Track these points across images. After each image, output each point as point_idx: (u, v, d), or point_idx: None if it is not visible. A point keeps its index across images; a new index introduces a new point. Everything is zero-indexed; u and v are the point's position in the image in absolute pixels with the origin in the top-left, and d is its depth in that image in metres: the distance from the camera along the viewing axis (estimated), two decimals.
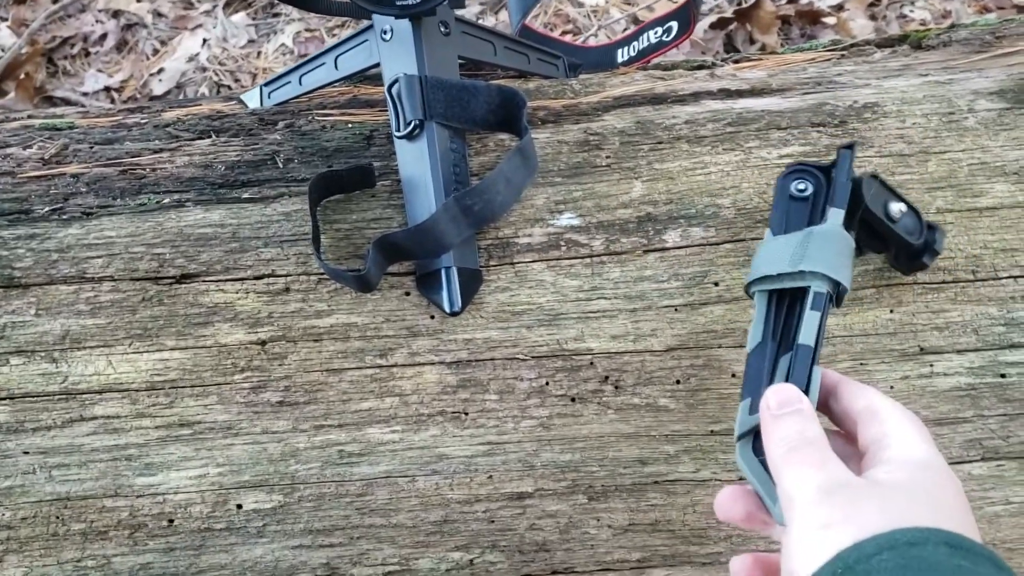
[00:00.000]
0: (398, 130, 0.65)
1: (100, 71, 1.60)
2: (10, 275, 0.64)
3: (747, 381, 0.49)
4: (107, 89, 1.57)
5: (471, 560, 0.63)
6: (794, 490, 0.42)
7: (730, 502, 0.47)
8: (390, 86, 0.65)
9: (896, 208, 0.57)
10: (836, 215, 0.52)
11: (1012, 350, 0.64)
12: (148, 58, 1.63)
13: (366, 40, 0.69)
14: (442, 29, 0.67)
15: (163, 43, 1.65)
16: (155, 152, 0.71)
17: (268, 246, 0.65)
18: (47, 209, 0.67)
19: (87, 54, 1.63)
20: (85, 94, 1.55)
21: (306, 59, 0.74)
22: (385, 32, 0.66)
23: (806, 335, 0.48)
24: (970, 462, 0.64)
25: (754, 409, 0.47)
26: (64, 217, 0.66)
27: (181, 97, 1.52)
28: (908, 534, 0.37)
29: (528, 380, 0.64)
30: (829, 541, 0.38)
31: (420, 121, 0.64)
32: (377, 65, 0.69)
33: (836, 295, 0.51)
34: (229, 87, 1.55)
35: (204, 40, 1.63)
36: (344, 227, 0.66)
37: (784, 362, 0.49)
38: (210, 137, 0.72)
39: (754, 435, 0.47)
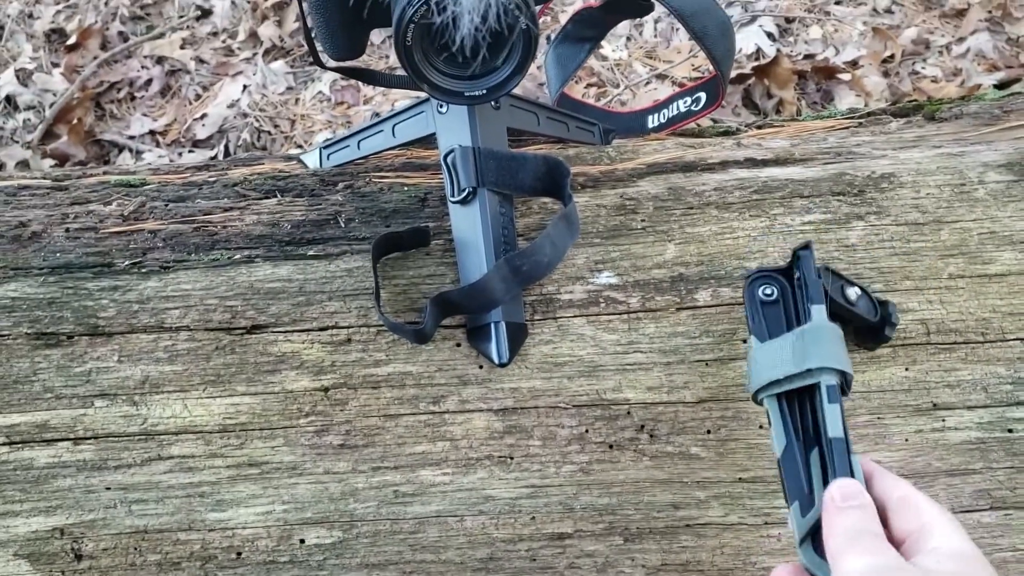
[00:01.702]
0: (453, 195, 0.71)
1: (145, 115, 1.67)
2: (95, 324, 0.70)
3: (788, 485, 0.51)
4: (152, 133, 1.65)
5: None
6: (851, 573, 0.44)
7: None
8: (446, 155, 0.71)
9: (852, 292, 0.61)
10: (819, 311, 0.54)
11: (1019, 407, 0.69)
12: (191, 103, 1.70)
13: (423, 112, 0.75)
14: (493, 104, 0.73)
15: (205, 88, 1.72)
16: (225, 211, 0.77)
17: (332, 300, 0.71)
18: (128, 263, 0.73)
19: (133, 98, 1.71)
20: (131, 137, 1.62)
21: (364, 125, 0.80)
22: (441, 106, 0.72)
23: (833, 428, 0.50)
24: (979, 511, 0.68)
25: (805, 511, 0.49)
26: (143, 270, 0.72)
27: (225, 142, 1.59)
28: None
29: (569, 427, 0.69)
30: None
31: (473, 188, 0.70)
32: (432, 134, 0.75)
33: (844, 384, 0.53)
34: (269, 132, 1.62)
35: (244, 86, 1.70)
36: (401, 282, 0.72)
37: (815, 457, 0.51)
38: (276, 197, 0.78)
39: (812, 535, 0.49)
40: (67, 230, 0.75)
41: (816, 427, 0.52)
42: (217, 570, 0.67)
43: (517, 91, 0.70)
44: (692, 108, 0.87)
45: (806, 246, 0.57)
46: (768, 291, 0.57)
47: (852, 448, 0.50)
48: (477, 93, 0.63)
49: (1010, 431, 0.69)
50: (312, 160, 0.83)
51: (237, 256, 0.73)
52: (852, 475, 0.49)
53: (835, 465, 0.49)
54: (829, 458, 0.50)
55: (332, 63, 0.75)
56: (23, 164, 1.54)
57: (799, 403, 0.53)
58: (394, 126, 0.77)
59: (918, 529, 0.46)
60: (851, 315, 0.62)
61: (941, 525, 0.46)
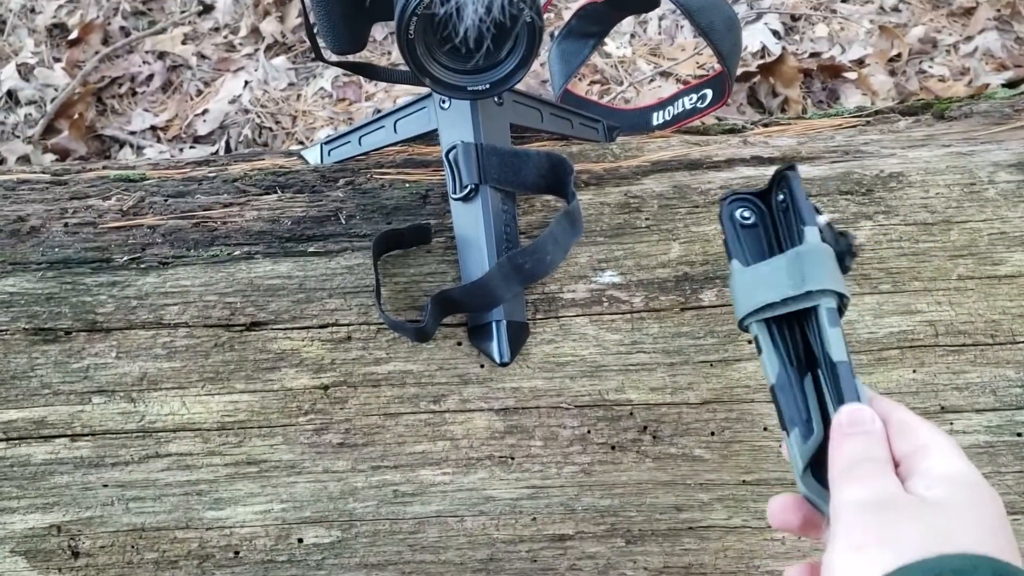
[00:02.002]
0: (455, 192, 0.70)
1: (146, 110, 1.67)
2: (93, 320, 0.69)
3: (786, 413, 0.48)
4: (153, 128, 1.64)
5: None
6: (840, 506, 0.41)
7: (785, 511, 0.47)
8: (448, 152, 0.70)
9: (822, 220, 0.55)
10: (812, 232, 0.50)
11: None
12: (192, 99, 1.69)
13: (424, 107, 0.74)
14: (496, 100, 0.72)
15: (206, 84, 1.72)
16: (225, 206, 0.76)
17: (332, 297, 0.70)
18: (126, 258, 0.72)
19: (134, 94, 1.70)
20: (132, 133, 1.62)
21: (365, 121, 0.79)
22: (444, 102, 0.72)
23: (838, 352, 0.47)
24: None
25: (806, 436, 0.47)
26: (142, 266, 0.72)
27: (226, 138, 1.59)
28: (954, 561, 0.37)
29: (571, 428, 0.68)
30: (863, 564, 0.38)
31: (475, 185, 0.69)
32: (434, 130, 0.74)
33: (841, 307, 0.50)
34: (270, 129, 1.61)
35: (246, 82, 1.69)
36: (402, 280, 0.71)
37: (808, 384, 0.48)
38: (276, 193, 0.77)
39: (813, 463, 0.46)
40: (66, 225, 0.74)
41: (808, 353, 0.49)
42: (215, 569, 0.66)
43: (520, 87, 0.69)
44: (698, 105, 0.86)
45: (791, 167, 0.53)
46: (746, 214, 0.53)
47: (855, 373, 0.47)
48: (480, 87, 0.63)
49: (1019, 435, 0.68)
50: (313, 156, 0.82)
51: (237, 252, 0.72)
52: (860, 400, 0.46)
53: (841, 390, 0.46)
54: (833, 383, 0.47)
55: (334, 57, 0.74)
56: (24, 159, 1.54)
57: (788, 328, 0.50)
58: (395, 122, 0.77)
59: (913, 451, 0.43)
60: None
61: (937, 446, 0.43)
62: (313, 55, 0.72)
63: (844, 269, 0.57)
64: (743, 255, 0.52)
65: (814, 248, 0.50)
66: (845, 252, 0.56)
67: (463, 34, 0.57)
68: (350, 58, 0.73)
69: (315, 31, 0.71)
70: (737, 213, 0.53)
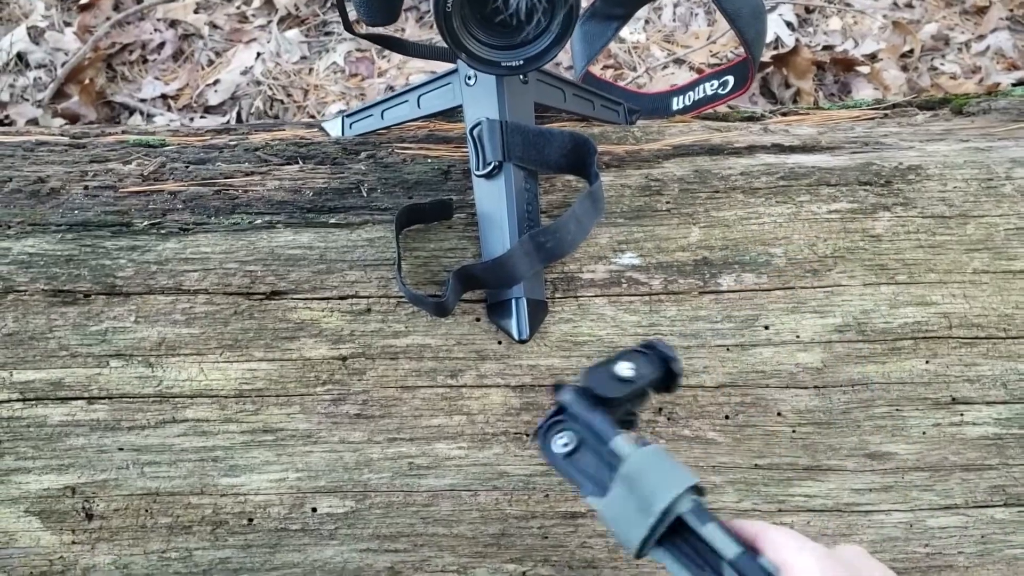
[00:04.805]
0: (478, 169, 0.70)
1: (157, 79, 1.66)
2: (112, 283, 0.69)
3: None
4: (164, 96, 1.63)
5: (524, 572, 0.68)
6: None
7: None
8: (472, 128, 0.70)
9: (623, 369, 0.51)
10: (620, 443, 0.47)
11: None
12: (203, 68, 1.68)
13: (449, 83, 0.74)
14: (521, 78, 0.72)
15: (218, 55, 1.71)
16: (247, 175, 0.76)
17: (353, 269, 0.70)
18: (147, 223, 0.72)
19: (145, 61, 1.69)
20: (143, 100, 1.61)
21: (389, 95, 0.79)
22: (469, 78, 0.71)
23: (726, 548, 0.44)
24: (993, 507, 0.68)
25: None
26: (163, 231, 0.72)
27: (237, 109, 1.58)
28: None
29: None
30: None
31: (499, 162, 0.69)
32: (458, 106, 0.74)
33: (699, 494, 0.47)
34: (281, 101, 1.61)
35: (258, 54, 1.68)
36: (423, 255, 0.71)
37: (729, 572, 0.45)
38: (297, 163, 0.77)
39: None
40: (86, 188, 0.74)
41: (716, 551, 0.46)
42: (228, 535, 0.66)
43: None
44: (719, 91, 0.86)
45: (558, 386, 0.50)
46: (564, 441, 0.49)
47: (749, 550, 0.45)
48: (515, 63, 0.62)
49: None
50: (334, 128, 0.82)
51: (258, 221, 0.72)
52: None
53: None
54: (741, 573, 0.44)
55: (363, 30, 0.73)
56: (33, 122, 1.53)
57: (682, 535, 0.46)
58: (419, 97, 0.76)
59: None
60: (639, 388, 0.52)
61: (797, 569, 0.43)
62: (343, 25, 0.72)
63: (673, 381, 0.54)
64: (591, 486, 0.48)
65: (636, 465, 0.46)
66: (669, 370, 0.53)
67: (515, 7, 0.56)
68: (378, 31, 0.73)
69: (345, 1, 0.71)
70: (555, 446, 0.49)
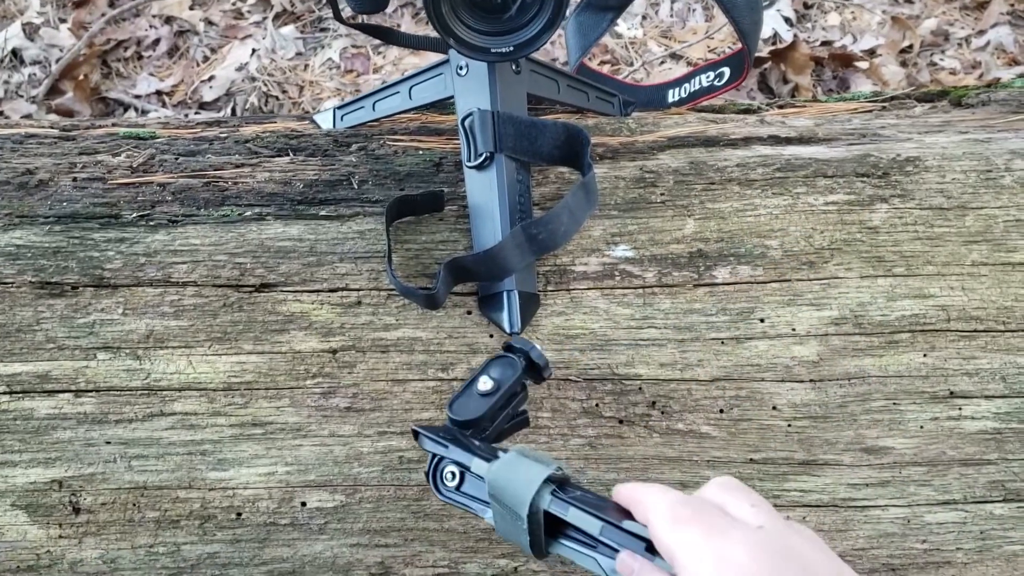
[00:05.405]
0: (469, 160, 0.69)
1: (152, 75, 1.65)
2: (100, 275, 0.69)
3: None
4: (158, 93, 1.62)
5: (516, 568, 0.67)
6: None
7: None
8: (463, 119, 0.69)
9: (483, 381, 0.54)
10: (478, 465, 0.49)
11: None
12: (198, 65, 1.68)
13: (441, 74, 0.73)
14: (513, 68, 0.71)
15: (213, 51, 1.70)
16: (237, 167, 0.75)
17: (343, 261, 0.69)
18: (135, 215, 0.71)
19: (140, 57, 1.69)
20: (137, 96, 1.60)
21: (380, 87, 0.78)
22: (461, 68, 0.71)
23: (588, 526, 0.45)
24: (992, 502, 0.67)
25: None
26: (151, 223, 0.71)
27: (232, 105, 1.57)
28: None
29: (579, 400, 0.68)
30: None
31: (491, 153, 0.68)
32: (449, 97, 0.73)
33: (559, 480, 0.47)
34: (276, 98, 1.60)
35: (253, 50, 1.68)
36: (414, 247, 0.70)
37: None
38: (288, 155, 0.76)
39: None
40: (74, 179, 0.73)
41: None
42: (216, 530, 0.66)
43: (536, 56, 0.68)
44: (715, 83, 0.85)
45: (415, 433, 0.52)
46: (448, 474, 0.51)
47: (618, 516, 0.46)
48: (504, 50, 0.62)
49: None
50: (325, 121, 0.81)
51: (248, 213, 0.71)
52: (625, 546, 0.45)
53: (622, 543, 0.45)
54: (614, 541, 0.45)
55: (353, 18, 0.73)
56: (27, 118, 1.52)
57: (563, 523, 0.47)
58: (410, 88, 0.76)
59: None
60: (505, 393, 0.55)
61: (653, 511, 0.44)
62: (332, 15, 0.71)
63: (543, 377, 0.57)
64: (482, 507, 0.50)
65: (494, 481, 0.48)
66: (534, 368, 0.55)
67: None
68: (368, 20, 0.72)
69: None
70: (444, 485, 0.51)
